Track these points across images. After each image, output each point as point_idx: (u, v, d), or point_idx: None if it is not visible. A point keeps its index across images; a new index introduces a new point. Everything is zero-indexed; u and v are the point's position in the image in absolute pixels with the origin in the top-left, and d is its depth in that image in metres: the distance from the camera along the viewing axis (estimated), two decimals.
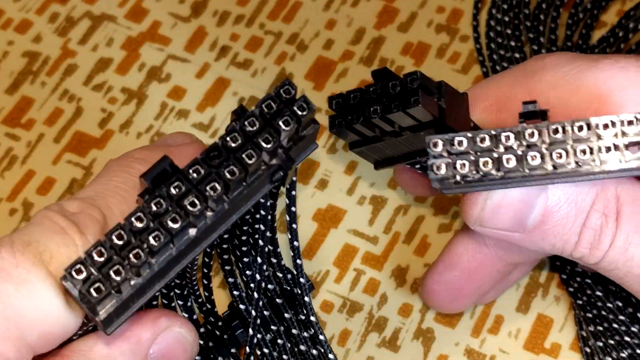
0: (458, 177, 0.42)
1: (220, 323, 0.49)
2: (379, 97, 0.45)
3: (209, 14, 0.65)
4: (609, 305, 0.52)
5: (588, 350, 0.52)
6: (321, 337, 0.48)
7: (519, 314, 0.54)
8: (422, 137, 0.44)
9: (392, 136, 0.46)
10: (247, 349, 0.46)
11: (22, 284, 0.39)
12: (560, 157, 0.41)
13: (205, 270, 0.48)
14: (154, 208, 0.39)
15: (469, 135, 0.42)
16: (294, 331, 0.48)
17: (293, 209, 0.46)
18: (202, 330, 0.49)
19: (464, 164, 0.42)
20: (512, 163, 0.41)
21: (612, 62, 0.44)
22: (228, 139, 0.40)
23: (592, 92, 0.43)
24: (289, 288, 0.49)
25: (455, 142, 0.42)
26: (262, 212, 0.45)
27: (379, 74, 0.45)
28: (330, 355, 0.48)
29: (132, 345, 0.42)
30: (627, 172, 0.42)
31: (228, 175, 0.39)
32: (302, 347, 0.48)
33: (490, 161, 0.41)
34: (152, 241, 0.39)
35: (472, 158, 0.42)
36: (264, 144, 0.40)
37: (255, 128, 0.40)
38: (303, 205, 0.58)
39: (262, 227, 0.45)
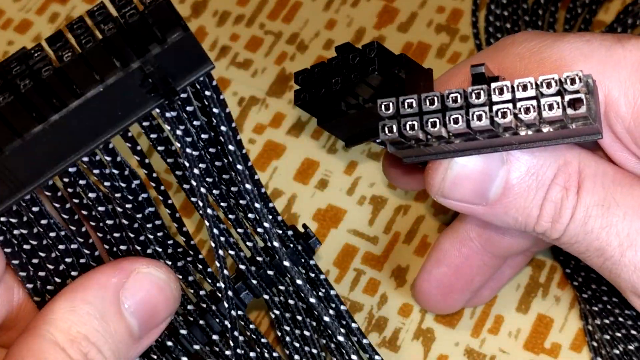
0: (410, 139, 0.42)
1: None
2: (340, 69, 0.45)
3: (209, 14, 0.65)
4: (615, 299, 0.52)
5: (595, 344, 0.52)
6: (332, 292, 0.48)
7: (519, 314, 0.54)
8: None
9: (357, 109, 0.46)
10: (228, 324, 0.45)
11: None
12: (505, 116, 0.41)
13: (177, 214, 0.47)
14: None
15: (419, 96, 0.42)
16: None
17: (223, 128, 0.44)
18: (202, 292, 0.48)
19: (413, 125, 0.42)
20: (460, 122, 0.41)
21: (577, 36, 0.45)
22: (74, 27, 0.39)
23: (557, 63, 0.44)
24: (291, 245, 0.48)
25: (406, 104, 0.42)
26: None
27: (342, 49, 0.46)
28: (343, 307, 0.47)
29: (95, 292, 0.42)
30: (576, 136, 0.42)
31: (64, 59, 0.39)
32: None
33: (437, 121, 0.41)
34: None
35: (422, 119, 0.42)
36: (102, 25, 0.39)
37: (101, 14, 0.40)
38: (303, 205, 0.58)
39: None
